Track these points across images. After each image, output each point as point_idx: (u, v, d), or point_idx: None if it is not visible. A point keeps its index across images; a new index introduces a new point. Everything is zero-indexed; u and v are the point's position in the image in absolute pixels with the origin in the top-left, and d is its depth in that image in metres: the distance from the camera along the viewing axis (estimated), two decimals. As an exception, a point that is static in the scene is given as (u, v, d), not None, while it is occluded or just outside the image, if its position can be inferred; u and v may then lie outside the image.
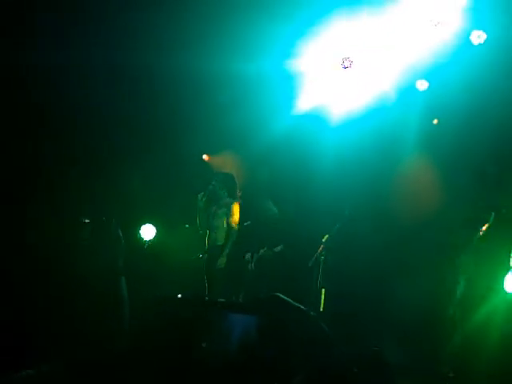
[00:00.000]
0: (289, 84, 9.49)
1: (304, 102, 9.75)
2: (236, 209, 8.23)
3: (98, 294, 2.26)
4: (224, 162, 10.64)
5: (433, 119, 9.61)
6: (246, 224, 9.15)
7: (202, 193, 8.43)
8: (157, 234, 10.82)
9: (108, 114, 9.96)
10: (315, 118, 9.73)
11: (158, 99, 10.00)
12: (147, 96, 9.94)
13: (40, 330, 2.77)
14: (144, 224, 10.77)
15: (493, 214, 7.78)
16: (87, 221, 10.26)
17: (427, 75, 9.12)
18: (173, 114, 10.24)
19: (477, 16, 8.26)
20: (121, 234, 2.18)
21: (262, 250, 9.66)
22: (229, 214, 8.17)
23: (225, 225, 8.18)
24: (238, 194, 8.36)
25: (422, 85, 9.23)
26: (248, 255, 9.68)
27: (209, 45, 8.65)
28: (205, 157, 11.32)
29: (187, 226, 9.00)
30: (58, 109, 9.50)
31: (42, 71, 8.98)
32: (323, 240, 8.24)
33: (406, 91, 9.31)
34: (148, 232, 10.81)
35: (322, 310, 7.94)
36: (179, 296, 8.02)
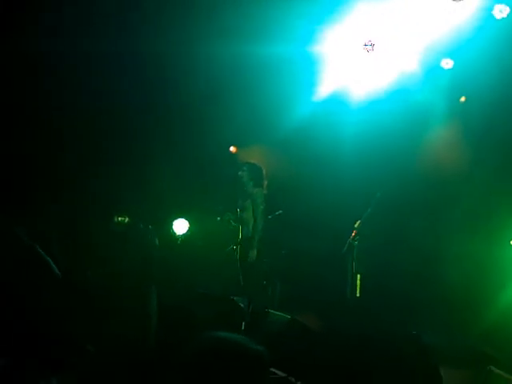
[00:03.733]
0: (311, 68, 9.41)
1: (327, 86, 9.69)
2: (261, 200, 8.21)
3: (128, 303, 2.23)
4: (251, 153, 10.63)
5: (460, 97, 9.50)
6: (277, 213, 9.15)
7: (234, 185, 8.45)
8: (189, 228, 10.86)
9: (134, 110, 9.99)
10: (340, 102, 9.67)
11: (182, 93, 10.00)
12: (173, 90, 9.94)
13: (58, 338, 2.73)
14: (176, 219, 10.81)
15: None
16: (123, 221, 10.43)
17: (452, 53, 9.01)
18: (199, 107, 10.24)
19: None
20: (157, 243, 2.17)
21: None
22: (254, 205, 8.15)
23: (252, 216, 8.17)
24: (265, 183, 8.33)
25: (447, 63, 9.13)
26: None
27: (230, 30, 8.58)
28: (232, 149, 11.32)
29: (218, 218, 9.01)
30: (81, 105, 9.53)
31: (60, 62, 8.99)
32: (355, 226, 8.21)
33: (431, 71, 9.21)
34: (181, 226, 10.84)
35: (358, 295, 7.93)
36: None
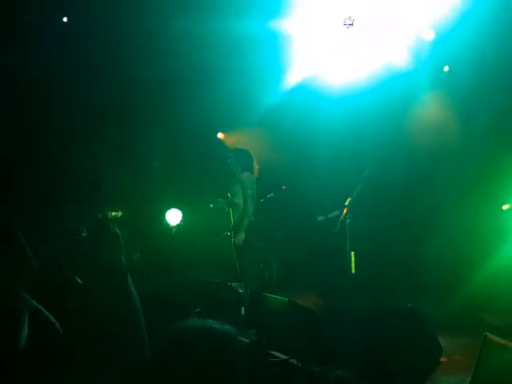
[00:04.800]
0: (286, 47, 9.33)
1: (307, 65, 9.62)
2: (250, 184, 8.20)
3: (106, 294, 2.21)
4: (238, 138, 10.61)
5: (443, 67, 9.46)
6: (269, 196, 9.15)
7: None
8: (183, 217, 10.86)
9: (117, 100, 9.95)
10: (322, 80, 9.62)
11: (163, 79, 9.96)
12: (155, 76, 9.91)
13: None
14: (169, 209, 10.80)
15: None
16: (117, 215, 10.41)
17: (433, 25, 8.96)
18: (181, 95, 10.20)
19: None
20: (118, 230, 2.16)
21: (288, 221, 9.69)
22: (243, 190, 8.14)
23: (242, 201, 8.16)
24: (255, 167, 8.31)
25: (429, 34, 9.08)
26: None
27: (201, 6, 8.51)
28: (220, 135, 11.29)
29: (211, 205, 8.99)
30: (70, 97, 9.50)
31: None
32: (346, 203, 8.19)
33: (413, 44, 9.16)
34: (174, 217, 10.84)
35: (353, 272, 7.92)
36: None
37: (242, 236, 8.05)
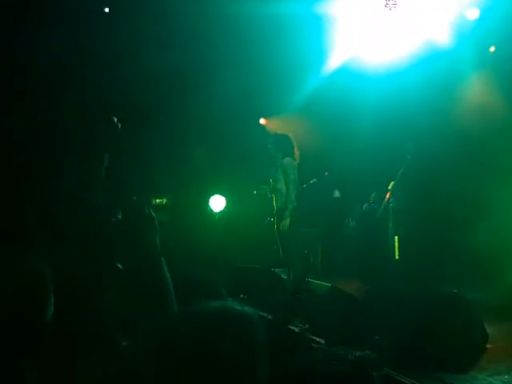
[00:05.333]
0: (329, 30, 9.24)
1: (350, 48, 9.52)
2: (292, 170, 8.13)
3: (143, 273, 2.22)
4: (280, 124, 10.57)
5: (489, 47, 9.25)
6: (311, 182, 9.10)
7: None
8: (227, 204, 10.89)
9: (167, 90, 9.99)
10: (363, 61, 9.50)
11: (209, 70, 9.97)
12: (200, 68, 9.92)
13: (78, 317, 2.73)
14: (212, 195, 10.84)
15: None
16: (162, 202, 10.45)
17: (477, 3, 8.76)
18: (225, 84, 10.20)
19: None
20: (154, 214, 2.16)
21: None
22: (285, 175, 8.08)
23: (284, 186, 8.11)
24: (296, 152, 8.24)
25: (473, 14, 8.88)
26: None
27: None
28: (262, 121, 11.27)
29: (255, 192, 8.99)
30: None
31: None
32: (389, 188, 8.11)
33: (457, 24, 8.97)
34: (218, 203, 10.88)
35: (397, 257, 7.86)
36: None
37: (286, 222, 8.00)
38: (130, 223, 2.48)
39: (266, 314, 5.94)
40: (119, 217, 2.62)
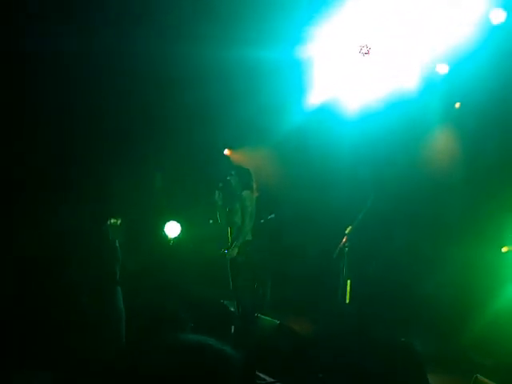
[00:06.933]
0: (303, 73, 9.36)
1: (321, 92, 9.64)
2: (250, 202, 8.19)
3: (93, 300, 2.19)
4: (243, 157, 10.60)
5: (455, 103, 9.43)
6: (269, 217, 9.12)
7: (217, 191, 8.44)
8: (181, 231, 10.82)
9: (126, 111, 9.92)
10: (334, 108, 9.62)
11: (175, 95, 9.94)
12: (165, 92, 9.89)
13: (26, 337, 2.69)
14: (168, 221, 10.77)
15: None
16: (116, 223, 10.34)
17: (447, 58, 8.95)
18: (193, 108, 10.19)
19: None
20: (117, 245, 2.13)
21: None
22: (243, 207, 8.14)
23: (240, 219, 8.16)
24: (254, 186, 8.31)
25: (443, 69, 9.06)
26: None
27: (218, 34, 8.50)
28: (226, 151, 11.29)
29: (211, 221, 8.96)
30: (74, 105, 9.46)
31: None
32: (346, 232, 8.14)
33: (426, 77, 9.14)
34: (173, 229, 10.81)
35: (347, 301, 7.86)
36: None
37: (234, 251, 8.05)
38: (92, 251, 2.46)
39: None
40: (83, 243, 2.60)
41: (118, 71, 9.39)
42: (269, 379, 6.06)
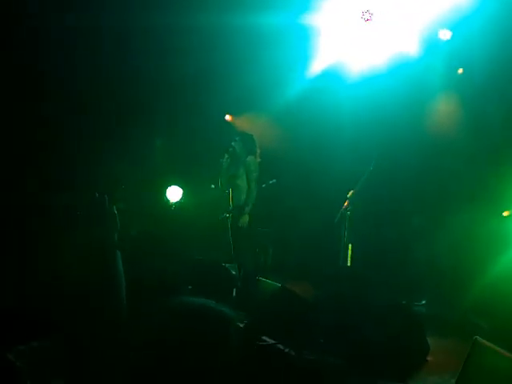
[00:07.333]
0: (307, 40, 9.33)
1: (324, 58, 9.62)
2: (254, 168, 8.22)
3: (94, 264, 2.24)
4: (246, 123, 10.60)
5: (457, 69, 9.42)
6: (271, 182, 9.15)
7: (226, 154, 8.44)
8: (183, 195, 10.87)
9: (128, 75, 9.91)
10: (336, 74, 9.61)
11: (179, 58, 9.90)
12: (168, 55, 9.85)
13: (31, 303, 2.74)
14: (170, 186, 10.81)
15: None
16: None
17: (450, 24, 8.92)
18: (195, 74, 10.16)
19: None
20: (115, 211, 2.19)
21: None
22: (248, 173, 8.16)
23: (246, 184, 8.18)
24: (257, 152, 8.34)
25: (445, 35, 9.04)
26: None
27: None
28: (227, 117, 11.28)
29: (213, 186, 9.00)
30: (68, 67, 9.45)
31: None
32: (348, 196, 8.18)
33: (429, 42, 9.12)
34: (174, 194, 10.85)
35: (349, 264, 7.94)
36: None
37: (246, 218, 8.09)
38: (90, 218, 2.49)
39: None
40: (80, 213, 2.63)
41: (120, 40, 9.37)
42: (270, 341, 6.15)
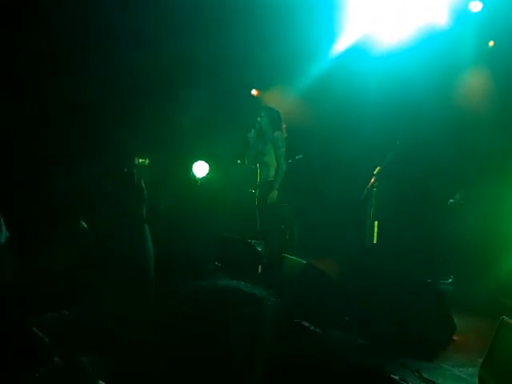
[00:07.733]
0: (334, 13, 9.20)
1: (350, 32, 9.50)
2: (282, 143, 8.15)
3: (123, 238, 2.25)
4: (272, 97, 10.51)
5: (488, 41, 9.23)
6: (297, 158, 9.09)
7: (253, 129, 8.38)
8: (209, 170, 10.87)
9: (154, 50, 9.86)
10: (364, 49, 9.48)
11: (206, 33, 9.84)
12: (196, 31, 9.79)
13: (57, 276, 2.76)
14: (196, 161, 10.82)
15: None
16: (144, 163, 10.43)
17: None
18: (221, 49, 10.09)
19: None
20: (143, 185, 2.17)
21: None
22: (276, 148, 8.10)
23: (274, 159, 8.12)
24: (284, 127, 8.25)
25: (476, 6, 8.85)
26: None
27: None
28: (254, 92, 11.22)
29: (239, 161, 8.96)
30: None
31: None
32: (375, 172, 8.10)
33: (459, 13, 8.94)
34: (201, 169, 10.87)
35: (375, 242, 7.89)
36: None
37: (275, 194, 8.05)
38: (119, 194, 2.49)
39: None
40: (108, 187, 2.62)
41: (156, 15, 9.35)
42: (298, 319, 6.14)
